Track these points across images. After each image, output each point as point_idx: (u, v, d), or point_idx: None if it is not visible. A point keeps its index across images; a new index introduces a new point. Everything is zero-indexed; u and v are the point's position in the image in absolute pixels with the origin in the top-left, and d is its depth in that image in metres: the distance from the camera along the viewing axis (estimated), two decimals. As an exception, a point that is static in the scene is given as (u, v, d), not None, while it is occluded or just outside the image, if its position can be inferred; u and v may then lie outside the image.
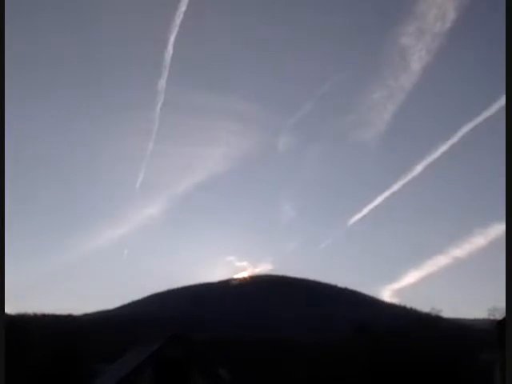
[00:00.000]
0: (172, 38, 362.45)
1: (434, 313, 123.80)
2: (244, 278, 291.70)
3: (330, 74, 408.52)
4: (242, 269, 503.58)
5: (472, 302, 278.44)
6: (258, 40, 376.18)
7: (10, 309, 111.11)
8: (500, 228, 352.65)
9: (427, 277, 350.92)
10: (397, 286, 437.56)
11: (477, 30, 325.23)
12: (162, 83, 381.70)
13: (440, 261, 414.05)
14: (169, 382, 40.84)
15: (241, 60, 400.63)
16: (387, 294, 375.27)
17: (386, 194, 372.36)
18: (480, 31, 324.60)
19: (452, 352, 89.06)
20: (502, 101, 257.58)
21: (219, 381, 46.39)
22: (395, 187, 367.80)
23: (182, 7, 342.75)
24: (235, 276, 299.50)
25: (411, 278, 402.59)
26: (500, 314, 75.61)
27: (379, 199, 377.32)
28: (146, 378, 40.13)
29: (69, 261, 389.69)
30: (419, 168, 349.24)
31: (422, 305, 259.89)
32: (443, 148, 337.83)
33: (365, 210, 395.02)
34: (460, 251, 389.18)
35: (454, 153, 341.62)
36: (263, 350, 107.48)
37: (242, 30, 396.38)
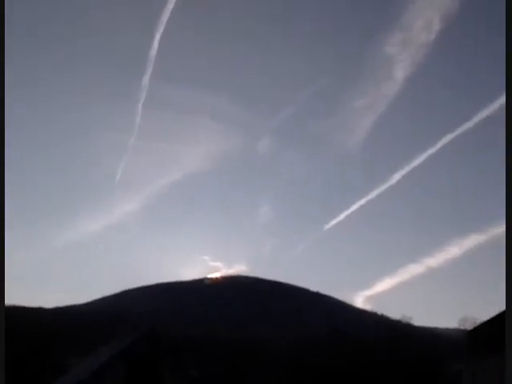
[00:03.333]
0: (158, 35, 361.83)
1: (404, 320, 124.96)
2: (217, 278, 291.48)
3: (314, 78, 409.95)
4: (216, 269, 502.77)
5: (443, 312, 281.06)
6: (244, 41, 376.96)
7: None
8: (477, 238, 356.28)
9: (400, 285, 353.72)
10: (369, 292, 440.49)
11: (462, 41, 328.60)
12: (146, 79, 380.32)
13: (413, 269, 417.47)
14: (139, 379, 40.69)
15: (226, 60, 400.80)
16: (359, 300, 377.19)
17: (363, 201, 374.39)
18: (465, 43, 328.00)
19: (421, 359, 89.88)
20: (483, 113, 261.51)
21: (189, 380, 46.31)
22: (372, 194, 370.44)
23: (170, 4, 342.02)
24: (209, 276, 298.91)
25: (384, 285, 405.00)
26: (470, 324, 76.58)
27: (356, 205, 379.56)
28: (117, 373, 39.95)
29: (42, 253, 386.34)
30: (397, 176, 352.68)
31: (394, 312, 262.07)
32: (422, 158, 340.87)
33: (341, 216, 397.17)
34: (434, 260, 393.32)
35: (433, 163, 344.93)
36: (233, 350, 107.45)
37: (228, 30, 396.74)
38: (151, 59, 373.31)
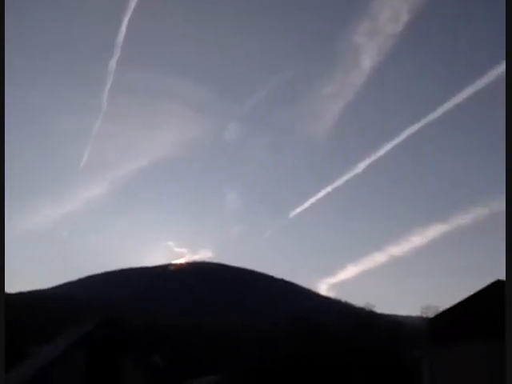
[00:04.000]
0: (126, 19, 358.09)
1: (367, 308, 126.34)
2: (181, 264, 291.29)
3: (283, 66, 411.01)
4: (181, 255, 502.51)
5: (406, 300, 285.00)
6: (213, 27, 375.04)
7: None
8: (440, 228, 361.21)
9: (364, 273, 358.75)
10: (333, 280, 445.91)
11: (428, 33, 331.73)
12: (113, 64, 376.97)
13: (377, 258, 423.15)
14: (100, 366, 40.27)
15: (195, 45, 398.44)
16: (323, 288, 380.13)
17: (329, 188, 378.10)
18: (431, 35, 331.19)
19: (384, 347, 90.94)
20: (449, 104, 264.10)
21: (152, 367, 45.99)
22: (338, 182, 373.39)
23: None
24: (173, 262, 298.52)
25: (348, 272, 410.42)
26: (432, 312, 77.63)
27: (322, 193, 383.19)
28: (77, 360, 39.46)
29: (5, 238, 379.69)
30: (363, 165, 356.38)
31: (357, 300, 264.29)
32: (387, 147, 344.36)
33: (307, 203, 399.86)
34: (398, 249, 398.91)
35: (398, 153, 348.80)
36: (197, 336, 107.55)
37: (197, 16, 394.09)
38: (118, 44, 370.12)
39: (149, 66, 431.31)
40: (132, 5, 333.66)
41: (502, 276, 44.21)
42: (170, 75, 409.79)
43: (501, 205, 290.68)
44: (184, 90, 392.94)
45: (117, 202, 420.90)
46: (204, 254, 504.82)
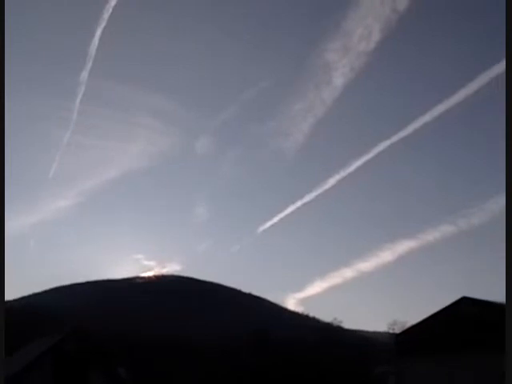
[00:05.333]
0: (99, 31, 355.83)
1: (335, 323, 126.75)
2: (149, 277, 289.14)
3: (255, 80, 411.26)
4: (149, 268, 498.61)
5: (374, 316, 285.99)
6: (187, 40, 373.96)
7: None
8: (408, 244, 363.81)
9: (332, 288, 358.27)
10: (301, 295, 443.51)
11: (400, 52, 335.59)
12: (85, 74, 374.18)
13: (345, 273, 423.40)
14: (66, 378, 39.96)
15: (167, 58, 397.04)
16: (291, 303, 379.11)
17: (298, 204, 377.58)
18: (403, 53, 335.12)
19: (350, 361, 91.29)
20: (419, 121, 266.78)
21: (118, 379, 45.73)
22: (307, 198, 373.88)
23: (112, 1, 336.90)
24: (141, 275, 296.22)
25: (316, 288, 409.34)
26: (399, 327, 78.24)
27: (291, 208, 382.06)
28: (44, 371, 39.12)
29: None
30: (332, 181, 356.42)
31: (325, 315, 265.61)
32: (357, 163, 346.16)
33: (276, 218, 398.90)
34: (366, 265, 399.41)
35: (368, 169, 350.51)
36: (163, 349, 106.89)
37: (170, 29, 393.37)
38: (91, 55, 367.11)
39: (121, 78, 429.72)
40: (105, 16, 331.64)
41: (468, 293, 44.99)
42: (142, 88, 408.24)
43: (468, 222, 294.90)
44: (155, 103, 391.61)
45: (86, 214, 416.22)
46: (172, 268, 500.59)
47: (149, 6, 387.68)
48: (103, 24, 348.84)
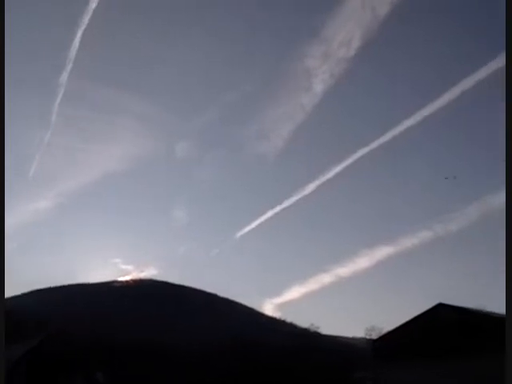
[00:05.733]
0: (79, 32, 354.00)
1: (312, 329, 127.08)
2: (126, 282, 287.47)
3: (235, 84, 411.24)
4: (127, 272, 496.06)
5: (351, 321, 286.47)
6: (168, 42, 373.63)
7: None
8: (386, 250, 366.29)
9: (310, 293, 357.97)
10: (279, 300, 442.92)
11: (380, 58, 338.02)
12: (65, 76, 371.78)
13: (323, 279, 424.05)
14: (44, 380, 39.93)
15: (148, 61, 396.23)
16: (269, 308, 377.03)
17: (277, 209, 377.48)
18: (383, 60, 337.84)
19: (328, 367, 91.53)
20: (398, 128, 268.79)
21: (94, 382, 45.77)
22: (286, 203, 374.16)
23: (93, 3, 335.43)
24: (119, 279, 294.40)
25: (294, 293, 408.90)
26: (376, 333, 78.71)
27: (270, 213, 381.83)
28: (21, 375, 39.07)
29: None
30: (312, 186, 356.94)
31: (302, 320, 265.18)
32: (337, 169, 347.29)
33: (255, 223, 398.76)
34: (344, 270, 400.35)
35: (347, 175, 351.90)
36: (139, 354, 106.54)
37: (151, 32, 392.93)
38: (71, 56, 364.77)
39: (101, 80, 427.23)
40: (86, 18, 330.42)
41: (445, 299, 45.56)
42: (123, 90, 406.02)
43: (445, 228, 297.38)
44: (135, 106, 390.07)
45: (65, 216, 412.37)
46: (150, 272, 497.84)
47: (130, 8, 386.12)
48: (84, 26, 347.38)
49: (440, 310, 43.83)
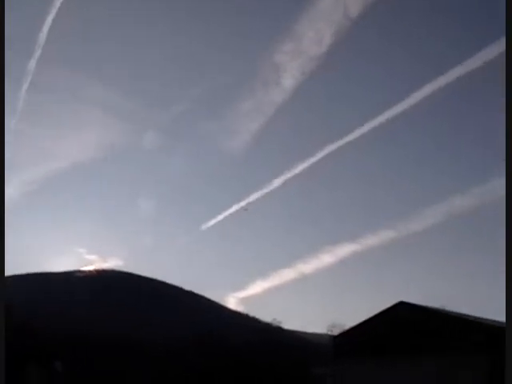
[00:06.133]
0: (49, 19, 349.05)
1: (274, 324, 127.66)
2: (90, 272, 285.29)
3: (205, 78, 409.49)
4: (91, 262, 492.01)
5: (314, 317, 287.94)
6: (138, 32, 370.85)
7: None
8: (349, 247, 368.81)
9: (273, 289, 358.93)
10: (242, 294, 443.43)
11: (351, 57, 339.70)
12: (33, 63, 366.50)
13: (287, 274, 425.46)
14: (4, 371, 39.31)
15: (119, 52, 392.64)
16: (232, 302, 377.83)
17: (243, 203, 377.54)
18: (354, 59, 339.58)
19: (289, 362, 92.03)
20: (367, 126, 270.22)
21: (54, 373, 45.38)
22: (252, 197, 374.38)
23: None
24: (82, 268, 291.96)
25: (257, 288, 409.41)
26: (338, 330, 79.31)
27: (236, 207, 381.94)
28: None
29: None
30: (278, 182, 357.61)
31: (265, 315, 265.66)
32: (304, 165, 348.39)
33: (220, 217, 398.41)
34: (307, 266, 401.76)
35: (313, 172, 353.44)
36: (101, 345, 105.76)
37: (122, 20, 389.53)
38: (40, 43, 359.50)
39: (71, 68, 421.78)
40: (57, 4, 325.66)
41: (405, 297, 46.07)
42: (92, 79, 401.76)
43: (407, 227, 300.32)
44: (105, 95, 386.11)
45: (29, 204, 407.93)
46: (114, 262, 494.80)
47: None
48: (54, 11, 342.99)
49: (401, 308, 44.31)
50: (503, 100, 17.93)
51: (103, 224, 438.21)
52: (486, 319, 45.95)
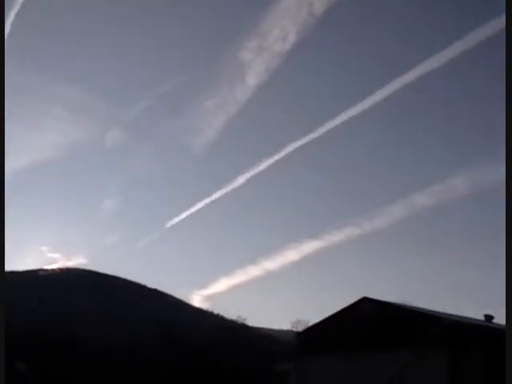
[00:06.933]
0: (12, 15, 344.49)
1: (239, 321, 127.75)
2: (53, 270, 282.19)
3: (168, 75, 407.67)
4: (54, 260, 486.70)
5: (278, 314, 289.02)
6: (102, 31, 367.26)
7: None
8: (314, 244, 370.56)
9: (237, 286, 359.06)
10: (207, 291, 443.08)
11: (315, 55, 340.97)
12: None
13: (251, 271, 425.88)
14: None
15: (82, 49, 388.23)
16: (197, 299, 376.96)
17: (206, 201, 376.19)
18: (318, 57, 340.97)
19: (254, 359, 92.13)
20: (329, 125, 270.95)
21: (15, 373, 44.64)
22: (216, 195, 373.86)
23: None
24: (44, 267, 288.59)
25: (222, 285, 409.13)
26: (302, 326, 79.73)
27: (199, 205, 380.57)
28: None
29: None
30: (242, 179, 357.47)
31: (230, 313, 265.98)
32: (267, 163, 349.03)
33: (184, 214, 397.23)
34: (272, 263, 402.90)
35: (277, 169, 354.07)
36: (63, 345, 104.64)
37: (86, 18, 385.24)
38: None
39: (32, 66, 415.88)
40: (19, 1, 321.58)
41: (369, 294, 46.34)
42: (53, 77, 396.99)
43: (372, 224, 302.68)
44: (66, 93, 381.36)
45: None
46: (78, 261, 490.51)
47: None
48: (17, 8, 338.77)
49: (364, 304, 44.57)
50: (503, 100, 17.99)
51: (66, 222, 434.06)
52: (447, 313, 46.68)
